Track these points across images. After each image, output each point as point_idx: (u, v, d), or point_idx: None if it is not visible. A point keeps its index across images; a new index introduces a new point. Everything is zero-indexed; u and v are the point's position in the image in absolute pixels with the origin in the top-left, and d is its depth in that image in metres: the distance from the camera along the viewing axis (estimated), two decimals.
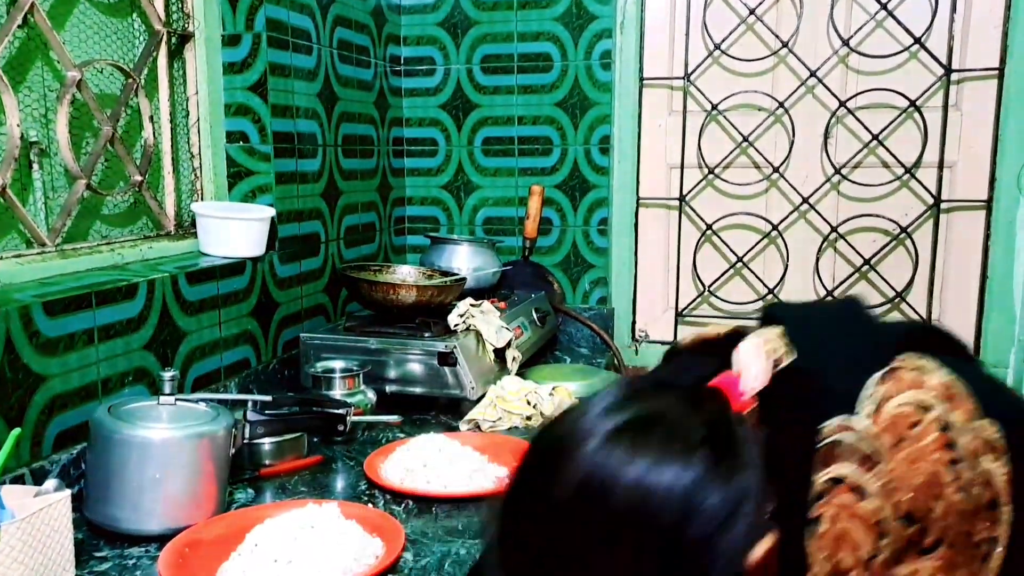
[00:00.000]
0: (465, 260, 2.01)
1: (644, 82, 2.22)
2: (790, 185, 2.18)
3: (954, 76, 2.05)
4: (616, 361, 2.19)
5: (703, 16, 2.17)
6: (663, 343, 2.32)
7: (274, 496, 1.24)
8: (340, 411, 1.31)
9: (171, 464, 1.03)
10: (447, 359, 1.60)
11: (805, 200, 2.17)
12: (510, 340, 1.74)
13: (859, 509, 0.74)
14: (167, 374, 1.12)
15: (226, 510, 1.13)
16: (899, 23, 2.05)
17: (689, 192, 2.25)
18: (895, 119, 2.09)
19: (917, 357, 0.81)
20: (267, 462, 1.30)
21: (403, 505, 1.21)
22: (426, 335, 1.65)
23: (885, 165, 2.12)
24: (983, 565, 0.74)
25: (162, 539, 1.03)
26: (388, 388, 1.64)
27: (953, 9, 2.02)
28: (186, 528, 1.04)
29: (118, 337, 1.26)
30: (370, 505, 1.19)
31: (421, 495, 1.22)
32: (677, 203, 2.26)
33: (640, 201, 2.27)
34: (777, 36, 2.13)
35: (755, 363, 0.81)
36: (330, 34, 1.90)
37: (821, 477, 0.76)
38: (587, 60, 2.19)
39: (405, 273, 1.87)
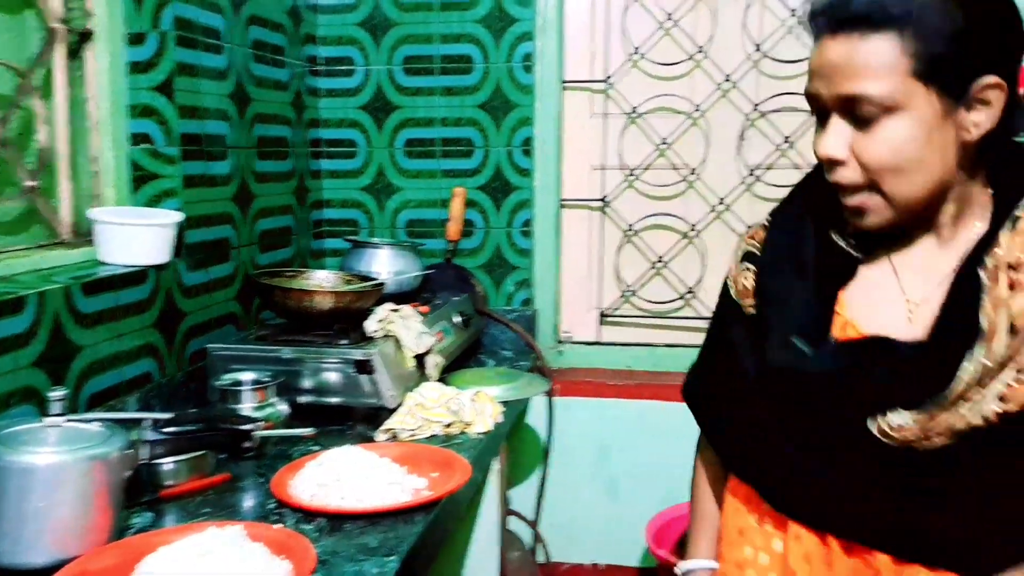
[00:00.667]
0: (386, 264, 1.98)
1: (565, 85, 2.23)
2: (707, 187, 2.22)
3: None
4: (540, 363, 2.19)
5: (622, 20, 2.18)
6: (587, 343, 2.33)
7: (177, 519, 1.19)
8: (246, 427, 1.26)
9: (57, 491, 0.97)
10: (365, 367, 1.57)
11: (721, 201, 2.21)
12: (431, 345, 1.72)
13: None
14: (55, 393, 1.06)
15: (119, 537, 1.07)
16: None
17: (611, 193, 2.26)
18: (805, 122, 2.14)
19: None
20: (168, 483, 1.24)
21: (314, 523, 1.17)
22: (343, 343, 1.61)
23: (797, 167, 2.17)
24: None
25: (47, 572, 0.98)
26: (303, 399, 1.60)
27: None
28: (73, 559, 0.98)
29: (4, 354, 1.20)
30: (279, 525, 1.15)
31: (333, 512, 1.19)
32: (599, 204, 2.28)
33: (563, 202, 2.27)
34: (693, 41, 2.16)
35: None
36: (243, 33, 1.84)
37: None
38: (509, 62, 2.18)
39: (321, 278, 1.83)
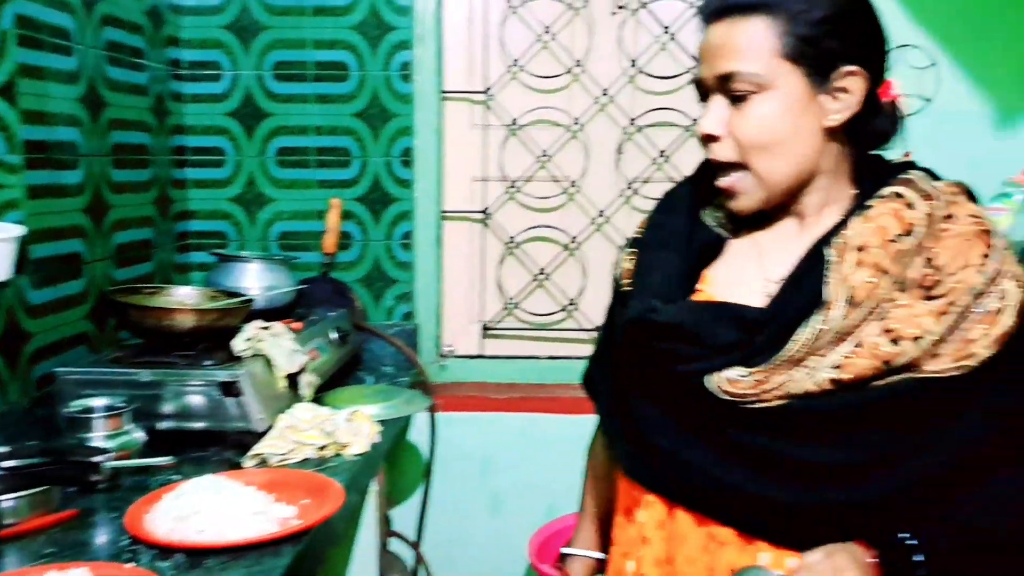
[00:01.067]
0: (256, 279, 1.88)
1: (445, 95, 2.20)
2: (587, 199, 2.23)
3: None
4: (421, 378, 2.14)
5: (500, 32, 2.18)
6: (470, 357, 2.30)
7: (18, 562, 1.08)
8: (95, 458, 1.16)
9: None
10: (231, 389, 1.48)
11: (601, 213, 2.23)
12: (304, 364, 1.64)
13: (903, 212, 0.90)
14: None
15: None
16: (680, 47, 2.15)
17: (492, 205, 2.25)
18: (680, 137, 2.19)
19: None
20: (7, 521, 1.13)
21: (171, 560, 1.08)
22: (207, 363, 1.52)
23: (672, 180, 2.21)
24: (969, 341, 0.87)
25: None
26: (163, 425, 1.49)
27: None
28: None
29: None
30: (132, 564, 1.06)
31: (192, 547, 1.10)
32: (481, 216, 2.25)
33: (444, 214, 2.24)
34: (571, 55, 2.18)
35: None
36: (96, 34, 1.72)
37: (889, 187, 0.92)
38: (386, 71, 2.13)
39: (184, 295, 1.72)
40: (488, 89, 2.20)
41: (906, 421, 0.88)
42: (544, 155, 2.21)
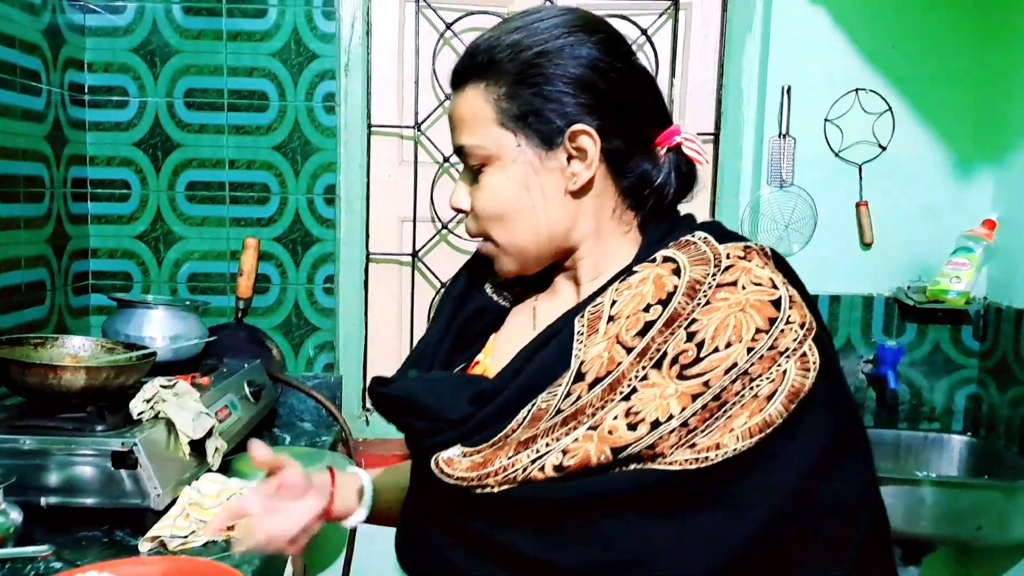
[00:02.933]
0: (160, 327, 1.70)
1: (372, 129, 2.07)
2: None
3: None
4: (344, 435, 1.98)
5: (433, 64, 2.06)
6: None
7: None
8: None
9: None
10: (124, 459, 1.30)
11: None
12: (212, 427, 1.47)
13: (665, 279, 0.80)
14: None
15: None
16: None
17: (422, 247, 2.11)
18: None
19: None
20: None
21: None
22: (98, 429, 1.33)
23: None
24: (722, 428, 0.75)
25: None
26: (46, 500, 1.30)
27: (672, 75, 2.10)
28: None
29: None
30: None
31: None
32: (410, 259, 2.12)
33: (370, 257, 2.10)
34: None
35: None
36: None
37: (663, 250, 0.83)
38: (309, 102, 1.98)
39: (77, 347, 1.52)
40: (419, 123, 2.08)
41: (638, 519, 0.76)
42: None
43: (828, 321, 2.06)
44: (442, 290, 2.09)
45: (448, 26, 2.05)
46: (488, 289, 0.98)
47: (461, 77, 0.86)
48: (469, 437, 0.81)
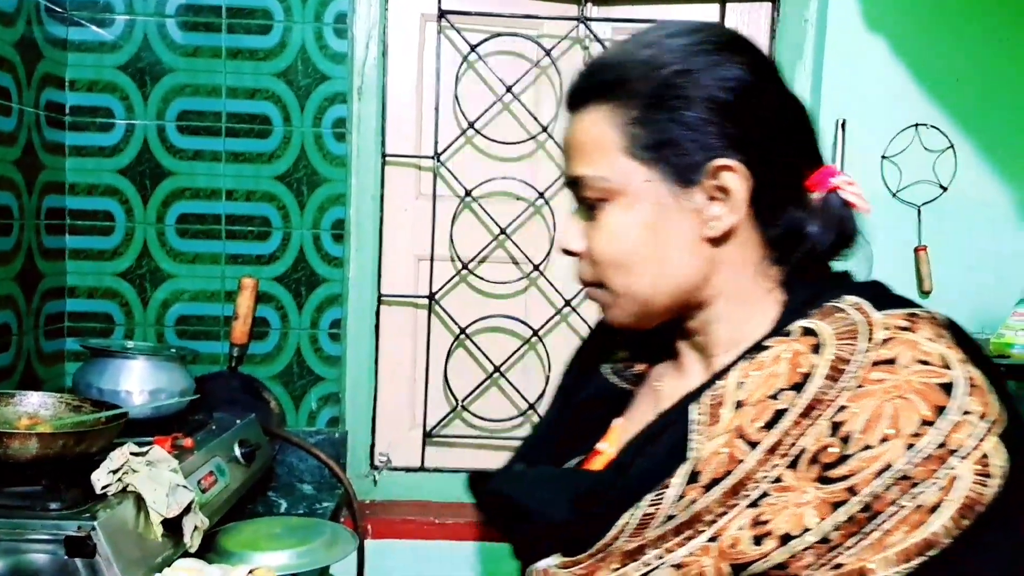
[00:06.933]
0: (139, 380, 1.47)
1: (387, 159, 1.86)
2: (551, 284, 1.91)
3: None
4: (349, 497, 1.75)
5: (455, 89, 1.87)
6: (409, 470, 1.91)
7: None
8: None
9: None
10: (81, 547, 1.06)
11: (567, 303, 1.91)
12: (191, 502, 1.23)
13: (802, 358, 0.67)
14: None
15: None
16: None
17: (440, 289, 1.90)
18: None
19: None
20: None
21: None
22: (52, 508, 1.10)
23: None
24: (878, 548, 0.60)
25: None
26: None
27: None
28: None
29: None
30: None
31: None
32: (426, 302, 1.90)
33: (382, 299, 1.88)
34: (536, 119, 1.88)
35: None
36: None
37: (802, 320, 0.70)
38: (317, 127, 1.78)
39: (36, 404, 1.30)
40: (439, 154, 1.87)
41: None
42: (502, 233, 1.89)
43: None
44: (460, 335, 1.87)
45: (473, 48, 1.85)
46: (606, 370, 0.87)
47: (581, 97, 0.74)
48: (569, 545, 0.72)
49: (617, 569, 0.68)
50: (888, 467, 0.60)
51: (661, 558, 0.66)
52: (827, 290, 0.71)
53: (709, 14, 1.88)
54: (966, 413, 0.61)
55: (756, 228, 0.72)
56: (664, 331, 0.79)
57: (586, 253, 0.76)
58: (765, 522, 0.62)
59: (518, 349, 1.91)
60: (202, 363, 1.75)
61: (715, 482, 0.65)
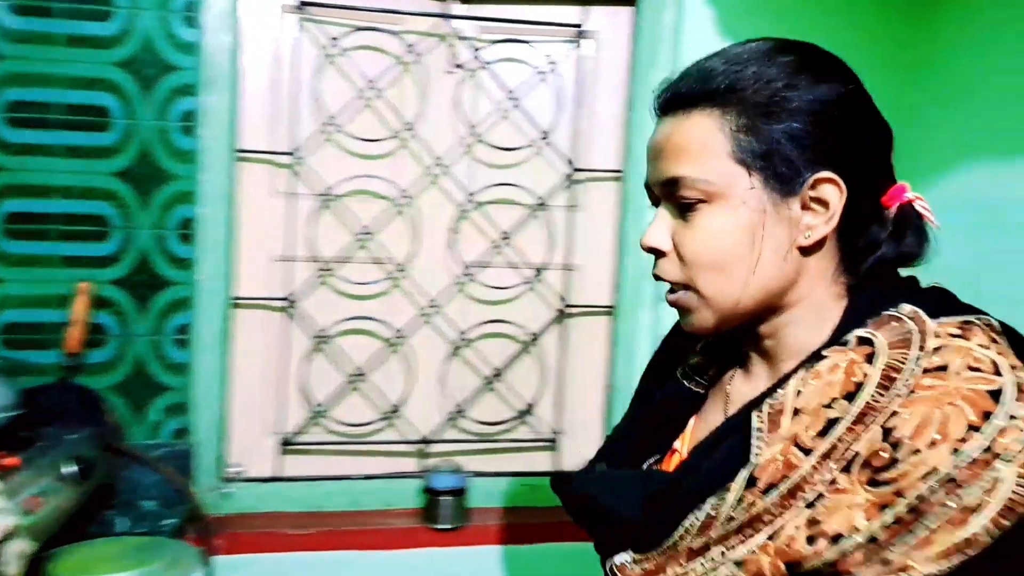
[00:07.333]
0: None
1: (241, 155, 1.78)
2: (416, 285, 1.88)
3: (578, 175, 1.93)
4: (196, 513, 1.66)
5: (314, 83, 1.80)
6: (265, 480, 1.84)
7: None
8: None
9: None
10: None
11: (432, 303, 1.88)
12: (12, 529, 1.14)
13: (857, 367, 0.70)
14: None
15: None
16: (526, 116, 1.88)
17: (299, 291, 1.83)
18: (521, 216, 1.90)
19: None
20: None
21: None
22: None
23: (513, 266, 1.92)
24: (923, 547, 0.63)
25: None
26: None
27: (577, 107, 1.91)
28: None
29: None
30: None
31: None
32: (284, 304, 1.83)
33: (235, 302, 1.79)
34: (399, 116, 1.84)
35: None
36: None
37: (860, 329, 0.73)
38: (162, 120, 1.68)
39: None
40: (296, 150, 1.80)
41: None
42: (365, 232, 1.84)
43: None
44: (319, 338, 1.81)
45: (334, 41, 1.80)
46: (680, 374, 0.91)
47: (688, 100, 0.77)
48: (641, 542, 0.77)
49: (684, 565, 0.73)
50: (934, 471, 0.63)
51: (724, 555, 0.70)
52: (888, 299, 0.74)
53: (571, 16, 1.90)
54: (1012, 418, 0.64)
55: (838, 238, 0.76)
56: (736, 337, 0.83)
57: (674, 252, 0.78)
58: (819, 523, 0.66)
59: (380, 351, 1.87)
60: (31, 375, 1.62)
61: (772, 487, 0.69)
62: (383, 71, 1.82)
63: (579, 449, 1.98)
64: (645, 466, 0.89)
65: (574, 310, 1.96)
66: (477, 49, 1.86)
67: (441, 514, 1.81)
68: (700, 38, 1.87)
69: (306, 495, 1.84)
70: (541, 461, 1.98)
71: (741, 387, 0.84)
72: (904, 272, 0.80)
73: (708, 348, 0.92)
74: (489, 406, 1.95)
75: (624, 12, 1.92)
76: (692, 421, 0.88)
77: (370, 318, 1.87)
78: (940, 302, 0.75)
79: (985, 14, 1.75)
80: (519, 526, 1.86)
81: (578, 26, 1.90)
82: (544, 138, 1.90)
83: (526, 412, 1.96)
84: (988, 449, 0.63)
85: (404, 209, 1.87)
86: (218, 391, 1.76)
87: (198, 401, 1.74)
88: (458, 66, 1.86)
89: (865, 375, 0.69)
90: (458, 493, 1.83)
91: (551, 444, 1.98)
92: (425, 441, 1.91)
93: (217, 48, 1.70)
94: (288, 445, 1.85)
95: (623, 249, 1.94)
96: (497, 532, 1.85)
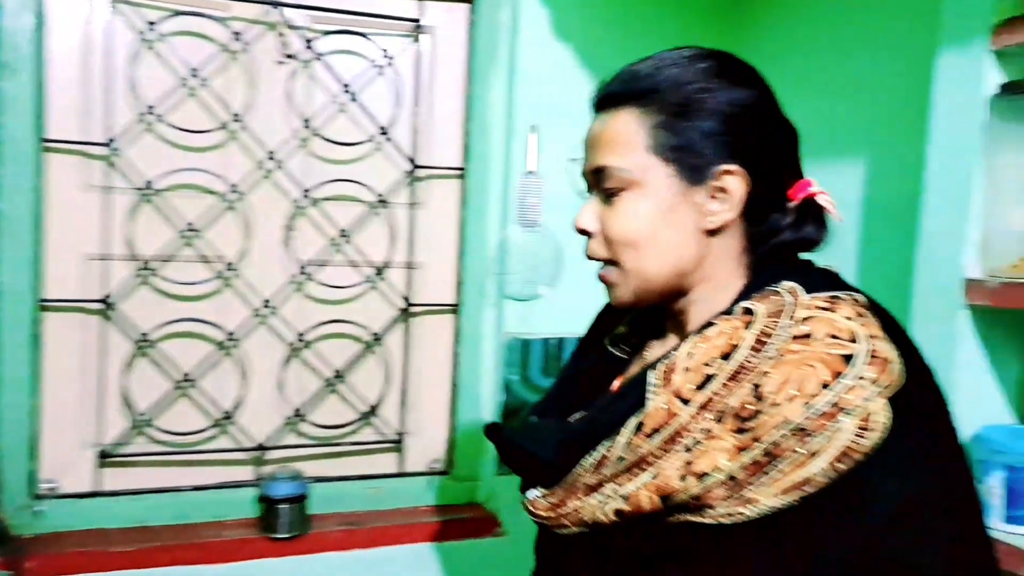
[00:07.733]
0: None
1: (47, 145, 1.64)
2: (248, 285, 1.80)
3: (420, 172, 1.91)
4: (3, 535, 1.51)
5: (130, 69, 1.69)
6: (82, 496, 1.70)
7: None
8: None
9: None
10: None
11: (266, 303, 1.81)
12: None
13: (738, 332, 0.80)
14: None
15: None
16: (364, 110, 1.85)
17: (117, 292, 1.71)
18: (361, 214, 1.86)
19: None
20: None
21: None
22: None
23: (354, 264, 1.88)
24: (768, 484, 0.74)
25: None
26: None
27: (416, 103, 1.90)
28: None
29: None
30: None
31: None
32: (100, 306, 1.70)
33: (44, 304, 1.65)
34: (226, 106, 1.75)
35: None
36: None
37: (746, 301, 0.83)
38: None
39: None
40: (112, 141, 1.68)
41: (682, 572, 0.80)
42: (191, 229, 1.74)
43: None
44: (142, 342, 1.70)
45: (151, 26, 1.69)
46: (607, 342, 1.03)
47: (617, 99, 0.88)
48: (547, 478, 0.88)
49: (582, 499, 0.84)
50: (787, 421, 0.73)
51: (616, 491, 0.81)
52: (778, 277, 0.84)
53: (408, 9, 1.88)
54: (860, 379, 0.73)
55: (743, 225, 0.87)
56: (656, 312, 0.94)
57: (600, 233, 0.89)
58: (691, 463, 0.76)
59: (210, 355, 1.78)
60: None
61: (655, 432, 0.79)
62: (207, 59, 1.73)
63: (425, 448, 1.96)
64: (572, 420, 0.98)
65: (417, 308, 1.94)
66: (309, 40, 1.80)
67: (279, 522, 1.74)
68: (537, 36, 1.90)
69: (128, 510, 1.72)
70: (386, 463, 1.95)
71: (656, 353, 0.95)
72: (806, 256, 0.90)
73: (633, 321, 1.04)
74: (331, 409, 1.89)
75: (461, 8, 1.91)
76: (617, 382, 0.98)
77: (199, 320, 1.77)
78: (821, 280, 0.84)
79: (787, 30, 1.87)
80: (363, 531, 1.82)
81: (416, 20, 1.88)
82: (384, 133, 1.86)
83: (370, 413, 1.91)
84: (835, 404, 0.73)
85: (235, 205, 1.78)
86: (26, 401, 1.61)
87: (3, 413, 1.58)
88: (289, 56, 1.80)
89: (741, 339, 0.79)
90: (297, 500, 1.76)
91: (396, 445, 1.94)
92: (261, 448, 1.83)
93: (18, 29, 1.56)
94: (107, 457, 1.72)
95: (465, 247, 1.93)
96: (340, 538, 1.80)
